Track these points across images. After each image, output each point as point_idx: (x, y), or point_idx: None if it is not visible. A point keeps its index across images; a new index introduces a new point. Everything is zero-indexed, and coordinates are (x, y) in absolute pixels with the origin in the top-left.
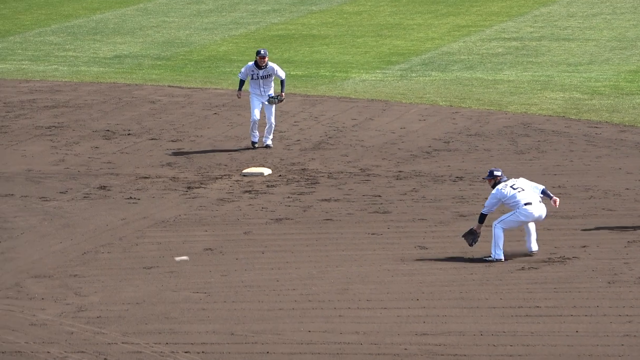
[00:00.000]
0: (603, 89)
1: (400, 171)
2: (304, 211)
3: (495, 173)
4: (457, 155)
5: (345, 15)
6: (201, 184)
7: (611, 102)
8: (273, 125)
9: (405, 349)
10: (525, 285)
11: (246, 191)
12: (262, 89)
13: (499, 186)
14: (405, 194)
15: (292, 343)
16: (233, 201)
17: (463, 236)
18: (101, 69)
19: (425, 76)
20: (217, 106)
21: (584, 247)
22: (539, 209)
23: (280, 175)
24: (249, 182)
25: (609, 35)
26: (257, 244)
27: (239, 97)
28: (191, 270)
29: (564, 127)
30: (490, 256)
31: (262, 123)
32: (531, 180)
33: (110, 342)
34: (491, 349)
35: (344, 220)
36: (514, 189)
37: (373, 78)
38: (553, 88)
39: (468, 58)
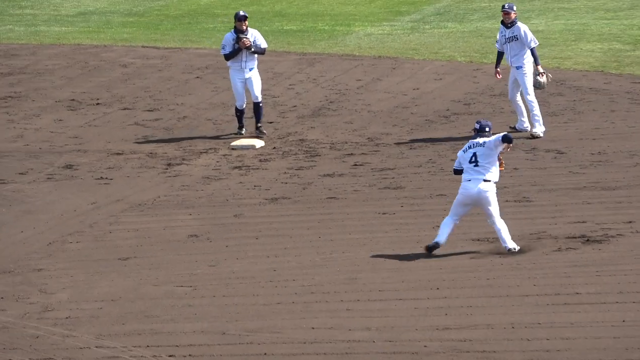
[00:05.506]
0: None
1: (414, 139)
2: (304, 189)
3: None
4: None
5: None
6: (183, 159)
7: None
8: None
9: (425, 346)
10: (562, 270)
11: (236, 167)
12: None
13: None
14: (421, 166)
15: (293, 342)
16: (221, 179)
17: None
18: (63, 28)
19: (441, 28)
20: (199, 68)
21: (630, 222)
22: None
23: (274, 148)
24: (238, 156)
25: None
26: (250, 228)
27: None
28: (174, 260)
29: (603, 84)
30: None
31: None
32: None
33: (83, 346)
34: (525, 344)
35: (350, 198)
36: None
37: (380, 32)
38: (589, 38)
39: (489, 5)
